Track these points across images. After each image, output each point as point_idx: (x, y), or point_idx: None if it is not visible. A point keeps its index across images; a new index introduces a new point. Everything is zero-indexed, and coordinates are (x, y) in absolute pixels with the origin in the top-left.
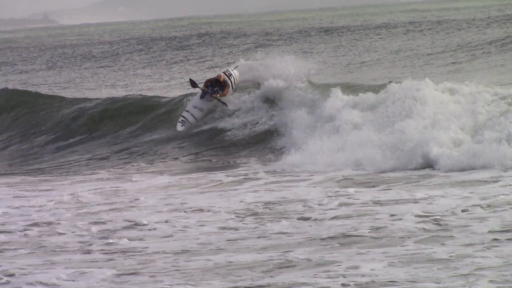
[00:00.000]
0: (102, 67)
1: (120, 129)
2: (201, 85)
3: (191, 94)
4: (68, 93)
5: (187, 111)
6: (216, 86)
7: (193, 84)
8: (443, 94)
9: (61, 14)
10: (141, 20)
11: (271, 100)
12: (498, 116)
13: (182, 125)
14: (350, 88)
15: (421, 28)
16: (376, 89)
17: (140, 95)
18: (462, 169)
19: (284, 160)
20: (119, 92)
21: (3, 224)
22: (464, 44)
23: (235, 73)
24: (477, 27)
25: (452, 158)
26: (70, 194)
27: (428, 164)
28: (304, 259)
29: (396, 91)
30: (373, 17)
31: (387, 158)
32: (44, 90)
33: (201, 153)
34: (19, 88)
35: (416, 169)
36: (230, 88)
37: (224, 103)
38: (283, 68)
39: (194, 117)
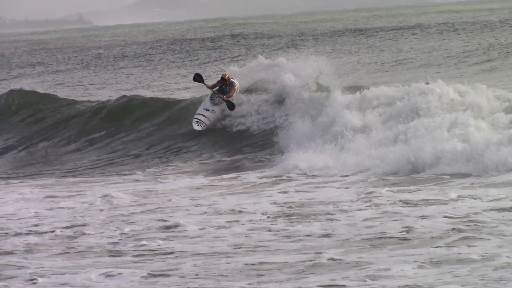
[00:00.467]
0: (136, 67)
1: (146, 128)
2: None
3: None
4: (102, 94)
5: (199, 114)
6: (223, 86)
7: (199, 79)
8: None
9: (96, 15)
10: (176, 21)
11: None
12: None
13: (198, 125)
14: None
15: (455, 28)
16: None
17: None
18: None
19: (315, 162)
20: (155, 93)
21: (35, 225)
22: (498, 44)
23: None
24: (510, 26)
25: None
26: (103, 195)
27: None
28: (335, 260)
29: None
30: (407, 18)
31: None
32: (80, 91)
33: (231, 153)
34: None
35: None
36: (236, 89)
37: (231, 104)
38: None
39: (208, 119)
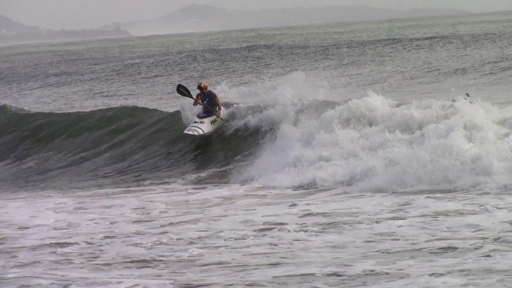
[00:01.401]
0: (171, 74)
1: (172, 139)
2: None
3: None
4: (142, 102)
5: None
6: (206, 97)
7: (184, 91)
8: None
9: (133, 25)
10: (212, 31)
11: None
12: None
13: (190, 131)
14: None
15: (489, 38)
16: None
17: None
18: None
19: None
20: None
21: (69, 236)
22: None
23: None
24: None
25: None
26: (134, 206)
27: None
28: (368, 272)
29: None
30: (443, 28)
31: None
32: (120, 100)
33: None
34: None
35: None
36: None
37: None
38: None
39: (201, 129)
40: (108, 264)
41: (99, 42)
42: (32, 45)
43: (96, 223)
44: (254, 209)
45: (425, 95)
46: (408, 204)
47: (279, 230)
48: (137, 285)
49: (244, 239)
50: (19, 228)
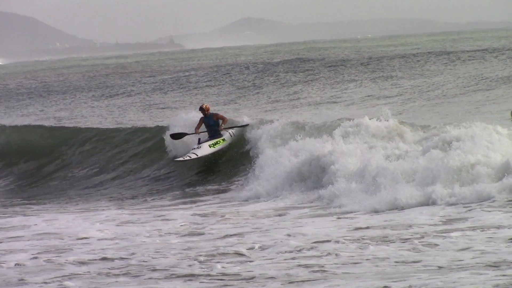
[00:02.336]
0: (222, 85)
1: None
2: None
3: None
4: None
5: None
6: (209, 120)
7: (178, 136)
8: None
9: (187, 38)
10: (266, 44)
11: None
12: None
13: (183, 159)
14: None
15: None
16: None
17: None
18: None
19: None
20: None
21: (110, 249)
22: None
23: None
24: None
25: None
26: (180, 218)
27: None
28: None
29: None
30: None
31: None
32: (171, 111)
33: None
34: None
35: None
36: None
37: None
38: None
39: (196, 155)
40: (152, 279)
41: (151, 55)
42: (85, 58)
43: (146, 236)
44: (303, 222)
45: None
46: (454, 217)
47: (330, 242)
48: None
49: (295, 252)
50: (70, 239)
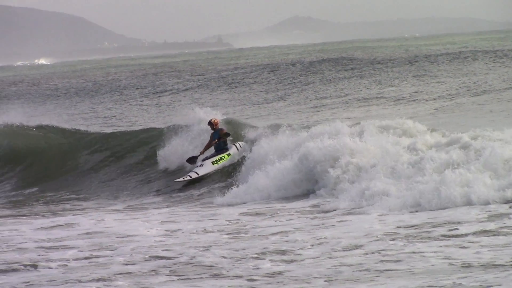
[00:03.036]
0: (269, 83)
1: None
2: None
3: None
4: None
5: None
6: (216, 135)
7: (193, 158)
8: None
9: (235, 37)
10: (313, 43)
11: None
12: None
13: (183, 179)
14: None
15: None
16: None
17: None
18: None
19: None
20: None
21: (157, 247)
22: None
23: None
24: None
25: None
26: (226, 216)
27: None
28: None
29: None
30: None
31: None
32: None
33: None
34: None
35: None
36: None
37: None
38: None
39: (197, 174)
40: (203, 278)
41: (199, 54)
42: (133, 57)
43: (193, 233)
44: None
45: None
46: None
47: (373, 241)
48: None
49: (339, 250)
50: (117, 237)
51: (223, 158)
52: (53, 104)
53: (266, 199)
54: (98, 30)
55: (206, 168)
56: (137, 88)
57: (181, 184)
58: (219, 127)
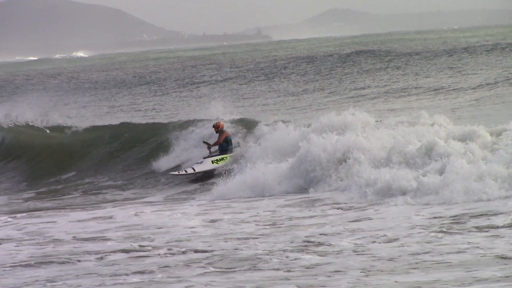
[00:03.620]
0: (307, 73)
1: None
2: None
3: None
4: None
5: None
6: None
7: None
8: None
9: (274, 29)
10: (352, 35)
11: None
12: None
13: (178, 172)
14: None
15: None
16: None
17: None
18: None
19: None
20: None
21: (195, 239)
22: None
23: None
24: None
25: None
26: (266, 211)
27: None
28: (494, 278)
29: None
30: None
31: None
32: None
33: None
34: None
35: None
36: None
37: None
38: None
39: (193, 169)
40: (240, 270)
41: (238, 46)
42: (173, 50)
43: (230, 225)
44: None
45: None
46: None
47: (405, 233)
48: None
49: (378, 242)
50: (157, 228)
51: (224, 158)
52: (93, 96)
53: (300, 190)
54: (137, 23)
55: (204, 165)
56: (176, 80)
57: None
58: (224, 130)
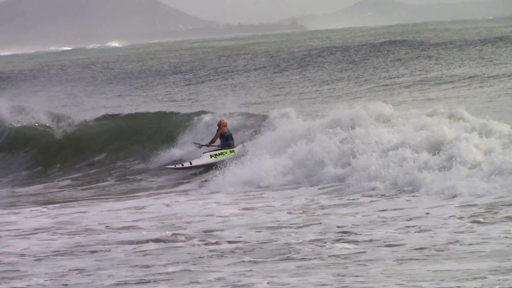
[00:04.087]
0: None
1: None
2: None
3: None
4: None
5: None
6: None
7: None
8: None
9: (310, 19)
10: (387, 24)
11: None
12: None
13: (174, 166)
14: None
15: None
16: None
17: None
18: None
19: None
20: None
21: (222, 229)
22: None
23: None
24: None
25: None
26: (299, 201)
27: None
28: None
29: None
30: None
31: None
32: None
33: None
34: None
35: None
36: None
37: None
38: None
39: (190, 163)
40: (273, 261)
41: (273, 36)
42: (207, 39)
43: (260, 215)
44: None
45: None
46: None
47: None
48: (297, 273)
49: (400, 233)
50: (190, 217)
51: (224, 153)
52: (127, 85)
53: (337, 181)
54: (173, 13)
55: (201, 160)
56: (210, 70)
57: None
58: (221, 127)
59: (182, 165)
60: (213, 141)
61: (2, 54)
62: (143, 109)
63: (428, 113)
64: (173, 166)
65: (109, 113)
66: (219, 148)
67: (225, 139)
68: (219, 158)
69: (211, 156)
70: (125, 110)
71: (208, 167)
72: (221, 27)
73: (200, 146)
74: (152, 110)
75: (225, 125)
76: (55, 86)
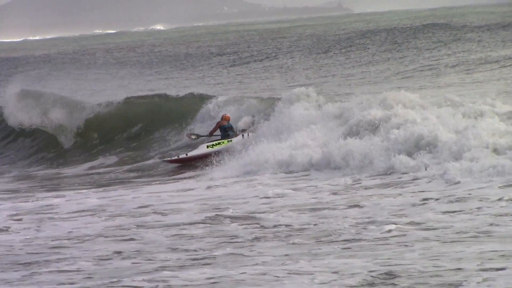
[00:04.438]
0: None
1: None
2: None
3: None
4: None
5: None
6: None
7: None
8: None
9: (355, 2)
10: (431, 7)
11: None
12: None
13: (170, 159)
14: None
15: None
16: None
17: None
18: None
19: None
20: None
21: (265, 212)
22: None
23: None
24: None
25: None
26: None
27: None
28: None
29: None
30: None
31: None
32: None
33: None
34: None
35: None
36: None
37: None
38: None
39: (186, 154)
40: (307, 242)
41: (317, 18)
42: (252, 22)
43: (300, 199)
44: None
45: None
46: None
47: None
48: (341, 255)
49: (442, 215)
50: (231, 199)
51: (221, 143)
52: (173, 69)
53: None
54: None
55: (198, 150)
56: (257, 52)
57: None
58: (225, 120)
59: (178, 156)
60: (211, 133)
61: (47, 37)
62: (188, 90)
63: None
64: (169, 159)
65: (161, 93)
66: (220, 138)
67: (224, 131)
68: (216, 148)
69: (207, 147)
70: (173, 92)
71: (205, 158)
72: (266, 9)
73: (198, 136)
74: (196, 92)
75: (227, 119)
76: (100, 69)
